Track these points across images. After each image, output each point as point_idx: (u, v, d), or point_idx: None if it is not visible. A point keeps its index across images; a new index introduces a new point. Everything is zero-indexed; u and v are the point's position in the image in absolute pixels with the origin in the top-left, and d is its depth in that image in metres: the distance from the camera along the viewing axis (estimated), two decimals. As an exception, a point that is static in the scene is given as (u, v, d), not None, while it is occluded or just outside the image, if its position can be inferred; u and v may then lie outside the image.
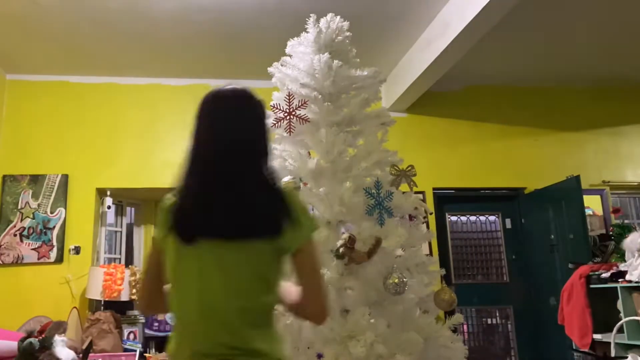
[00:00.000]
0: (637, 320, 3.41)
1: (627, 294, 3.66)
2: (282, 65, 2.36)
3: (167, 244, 1.29)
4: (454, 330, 2.20)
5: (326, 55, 2.23)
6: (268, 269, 1.26)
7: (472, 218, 5.25)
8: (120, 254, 4.78)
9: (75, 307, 4.01)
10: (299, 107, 2.21)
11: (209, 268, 1.25)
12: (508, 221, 5.13)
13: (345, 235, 1.94)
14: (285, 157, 2.25)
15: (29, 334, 3.31)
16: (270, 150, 1.35)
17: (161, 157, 4.48)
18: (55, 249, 4.19)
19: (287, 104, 2.21)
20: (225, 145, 1.27)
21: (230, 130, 1.28)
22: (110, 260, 4.59)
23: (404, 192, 2.27)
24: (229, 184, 1.24)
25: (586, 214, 4.45)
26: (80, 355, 3.55)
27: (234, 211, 1.23)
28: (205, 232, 1.24)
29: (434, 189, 4.86)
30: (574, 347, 4.00)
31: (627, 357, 2.68)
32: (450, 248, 5.10)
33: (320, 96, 2.27)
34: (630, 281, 3.61)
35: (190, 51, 4.24)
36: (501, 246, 5.11)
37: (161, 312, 1.45)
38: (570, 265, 4.19)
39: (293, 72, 2.30)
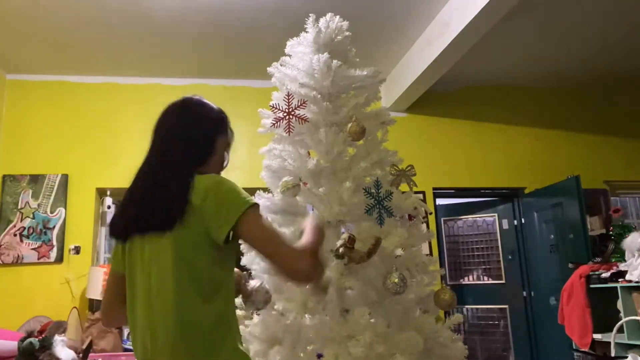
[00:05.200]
0: (637, 320, 3.41)
1: (627, 294, 3.66)
2: (281, 65, 2.35)
3: (118, 258, 1.42)
4: (455, 330, 2.20)
5: (325, 55, 2.22)
6: (198, 268, 1.26)
7: (472, 218, 5.26)
8: (120, 254, 4.78)
9: (75, 307, 4.01)
10: (299, 107, 2.20)
11: (139, 267, 1.33)
12: (508, 221, 5.13)
13: (345, 235, 1.94)
14: (285, 157, 2.25)
15: (29, 334, 3.31)
16: (207, 147, 1.42)
17: (161, 157, 4.47)
18: (55, 249, 4.19)
19: (287, 103, 2.21)
20: (150, 154, 1.46)
21: (154, 140, 1.47)
22: (110, 260, 4.59)
23: (403, 192, 2.26)
24: (141, 183, 1.39)
25: (586, 213, 4.44)
26: (80, 355, 3.55)
27: (138, 206, 1.34)
28: (128, 227, 1.35)
29: (434, 189, 4.86)
30: (574, 347, 4.01)
31: (627, 357, 2.68)
32: (445, 249, 5.17)
33: (319, 96, 2.27)
34: (630, 281, 3.62)
35: (190, 51, 4.24)
36: (501, 246, 5.12)
37: (124, 324, 1.53)
38: (570, 265, 4.19)
39: (292, 72, 2.29)
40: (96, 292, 3.97)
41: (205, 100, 1.51)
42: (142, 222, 1.31)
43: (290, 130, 2.21)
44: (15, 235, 4.19)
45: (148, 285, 1.28)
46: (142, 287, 1.30)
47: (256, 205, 1.28)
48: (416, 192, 2.36)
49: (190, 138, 1.40)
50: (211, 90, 4.72)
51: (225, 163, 1.52)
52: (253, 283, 1.85)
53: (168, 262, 1.25)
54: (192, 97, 1.50)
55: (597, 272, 3.90)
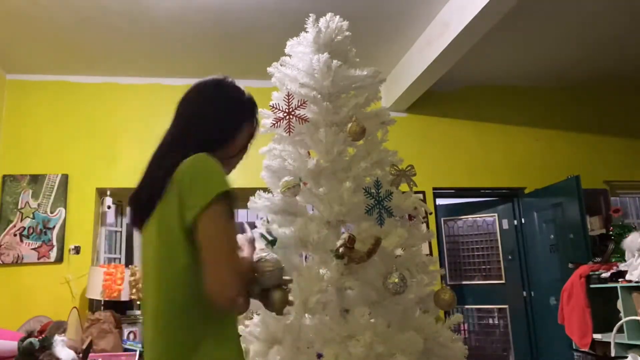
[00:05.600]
0: (637, 320, 3.41)
1: (627, 293, 3.66)
2: (281, 65, 2.35)
3: None
4: (455, 330, 2.20)
5: (325, 55, 2.22)
6: (177, 254, 1.16)
7: (472, 218, 5.26)
8: (120, 253, 4.78)
9: (75, 307, 4.01)
10: (299, 107, 2.20)
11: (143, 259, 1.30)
12: (508, 221, 5.13)
13: (345, 235, 1.94)
14: (285, 157, 2.25)
15: (29, 334, 3.31)
16: (227, 132, 1.34)
17: (161, 157, 4.46)
18: (55, 249, 4.19)
19: (287, 104, 2.21)
20: (166, 132, 1.36)
21: (173, 118, 1.38)
22: (110, 260, 4.59)
23: (403, 192, 2.26)
24: (148, 166, 1.31)
25: (586, 213, 4.44)
26: (80, 355, 3.55)
27: (137, 191, 1.28)
28: (141, 212, 1.28)
29: (434, 188, 4.86)
30: (574, 347, 4.01)
31: (627, 357, 2.68)
32: (445, 249, 5.17)
33: (319, 96, 2.27)
34: (630, 281, 3.62)
35: (190, 51, 4.24)
36: (501, 246, 5.12)
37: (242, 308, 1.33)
38: (570, 265, 4.19)
39: (292, 72, 2.29)
40: (96, 292, 3.98)
41: (238, 84, 1.43)
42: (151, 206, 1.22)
43: (290, 130, 2.21)
44: (15, 235, 4.19)
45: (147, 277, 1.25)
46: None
47: (226, 193, 1.16)
48: (416, 192, 2.36)
49: (209, 118, 1.32)
50: (211, 90, 4.72)
51: (241, 155, 1.40)
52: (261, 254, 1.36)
53: (152, 252, 1.22)
54: (224, 77, 1.42)
55: (597, 272, 3.90)
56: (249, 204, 2.27)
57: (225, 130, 1.32)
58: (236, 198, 1.18)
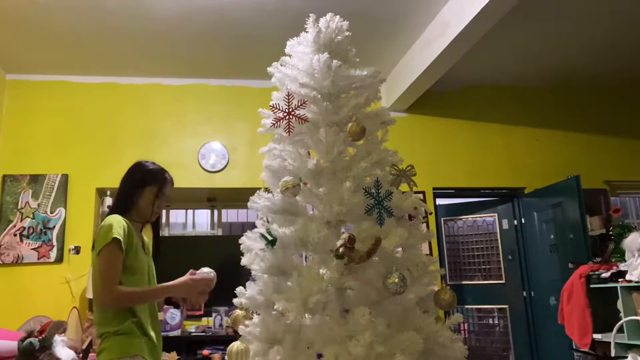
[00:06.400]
0: (637, 320, 3.41)
1: (627, 293, 3.66)
2: (281, 65, 2.36)
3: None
4: (455, 330, 2.20)
5: (325, 55, 2.23)
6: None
7: (472, 218, 5.26)
8: (120, 254, 4.77)
9: (75, 307, 4.01)
10: (299, 106, 2.21)
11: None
12: (508, 221, 5.13)
13: (345, 235, 1.94)
14: (285, 157, 2.25)
15: (29, 334, 3.31)
16: (127, 197, 1.96)
17: (161, 157, 4.46)
18: (55, 249, 4.19)
19: (287, 103, 2.21)
20: None
21: None
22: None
23: (403, 192, 2.26)
24: None
25: (586, 213, 4.44)
26: (80, 355, 3.55)
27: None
28: None
29: (434, 189, 4.86)
30: (574, 347, 4.00)
31: (627, 357, 2.68)
32: (445, 249, 5.17)
33: (319, 96, 2.27)
34: (630, 281, 3.61)
35: (190, 51, 4.24)
36: (501, 246, 5.12)
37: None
38: (570, 265, 4.19)
39: (292, 71, 2.29)
40: (96, 292, 3.97)
41: (144, 163, 2.01)
42: None
43: (290, 130, 2.21)
44: (15, 235, 4.19)
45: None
46: None
47: (114, 241, 1.76)
48: (416, 192, 2.36)
49: (119, 192, 1.98)
50: (211, 90, 4.72)
51: (152, 211, 1.95)
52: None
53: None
54: (141, 162, 2.02)
55: (597, 272, 3.90)
56: (249, 204, 2.27)
57: (127, 199, 1.94)
58: (125, 237, 1.80)
